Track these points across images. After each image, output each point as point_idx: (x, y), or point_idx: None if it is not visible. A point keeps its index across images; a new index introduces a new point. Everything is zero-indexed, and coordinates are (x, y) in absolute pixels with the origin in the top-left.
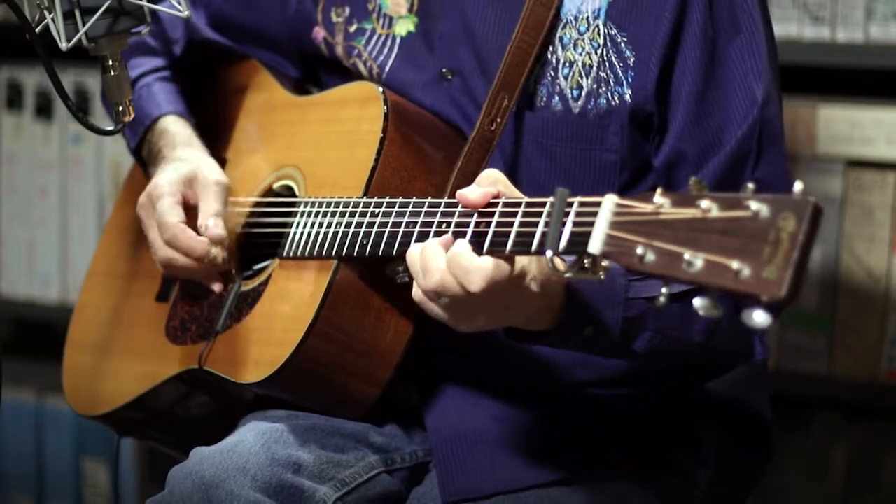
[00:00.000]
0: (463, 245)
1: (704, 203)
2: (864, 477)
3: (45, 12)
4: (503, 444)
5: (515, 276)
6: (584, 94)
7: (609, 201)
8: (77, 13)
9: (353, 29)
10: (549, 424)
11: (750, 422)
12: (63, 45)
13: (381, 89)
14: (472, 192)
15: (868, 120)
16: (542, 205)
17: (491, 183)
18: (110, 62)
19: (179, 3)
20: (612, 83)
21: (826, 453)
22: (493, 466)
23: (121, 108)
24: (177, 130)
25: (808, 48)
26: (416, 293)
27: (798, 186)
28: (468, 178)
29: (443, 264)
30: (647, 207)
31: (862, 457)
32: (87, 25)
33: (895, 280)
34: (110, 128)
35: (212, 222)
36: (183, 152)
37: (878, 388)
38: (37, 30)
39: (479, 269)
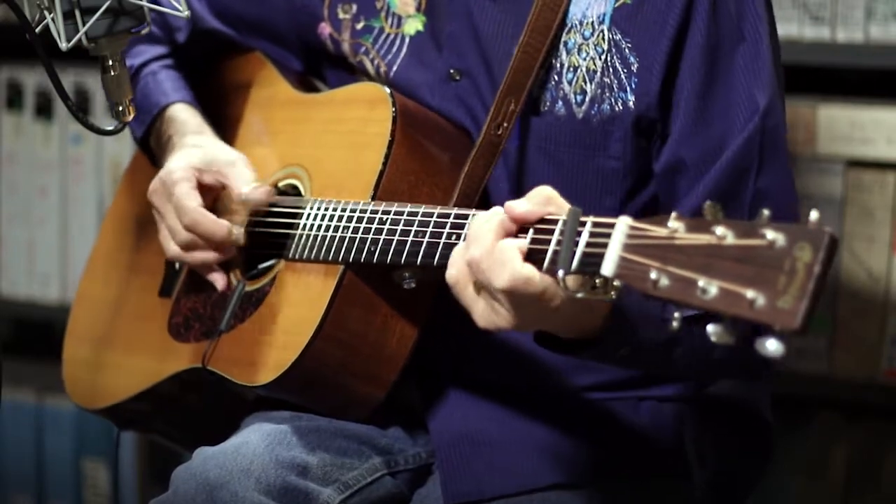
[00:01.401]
0: (515, 242)
1: (720, 229)
2: (864, 477)
3: (45, 12)
4: (505, 447)
5: (547, 294)
6: (587, 99)
7: (623, 223)
8: (77, 13)
9: (360, 26)
10: (552, 427)
11: (750, 422)
12: (63, 45)
13: (389, 91)
14: (520, 207)
15: (868, 120)
16: (555, 223)
17: (543, 203)
18: (110, 62)
19: (179, 3)
20: (615, 89)
21: (826, 453)
22: (495, 469)
23: (121, 108)
24: (186, 119)
25: (808, 48)
26: (459, 260)
27: (814, 216)
28: (475, 184)
29: (489, 243)
30: (662, 231)
31: (862, 457)
32: (87, 25)
33: (895, 280)
34: (110, 128)
35: (247, 189)
36: (194, 139)
37: (878, 388)
38: (37, 30)
39: (513, 270)
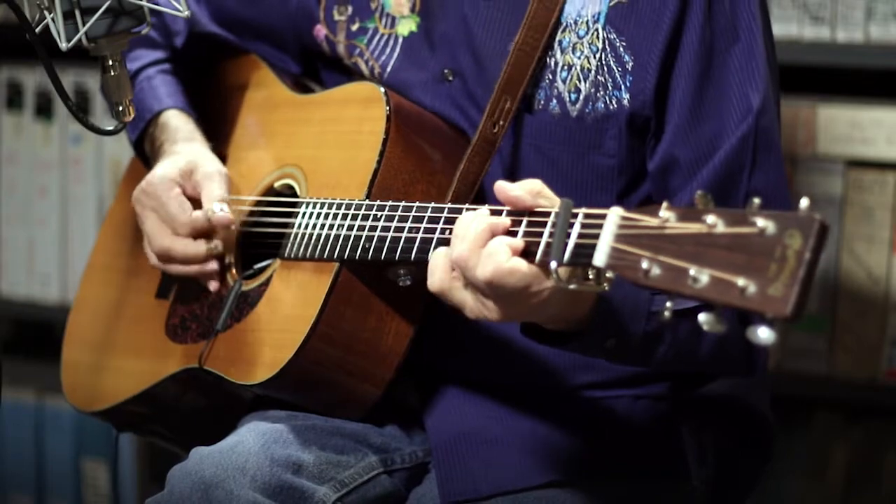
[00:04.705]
0: (505, 240)
1: (710, 218)
2: (864, 477)
3: (45, 12)
4: (503, 445)
5: (532, 287)
6: (581, 97)
7: (614, 214)
8: (77, 13)
9: (355, 28)
10: (549, 425)
11: (750, 422)
12: (63, 45)
13: (383, 90)
14: (513, 190)
15: (868, 120)
16: (547, 215)
17: (534, 194)
18: (110, 62)
19: (179, 3)
20: (610, 87)
21: (826, 453)
22: (492, 467)
23: (121, 108)
24: (178, 125)
25: (808, 48)
26: (441, 259)
27: (804, 203)
28: (470, 181)
29: (475, 241)
30: (653, 221)
31: (862, 457)
32: (87, 25)
33: (895, 280)
34: (110, 128)
35: (218, 207)
36: (182, 146)
37: (878, 388)
38: (37, 30)
39: (497, 263)
